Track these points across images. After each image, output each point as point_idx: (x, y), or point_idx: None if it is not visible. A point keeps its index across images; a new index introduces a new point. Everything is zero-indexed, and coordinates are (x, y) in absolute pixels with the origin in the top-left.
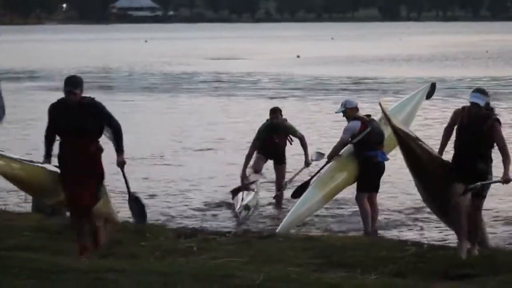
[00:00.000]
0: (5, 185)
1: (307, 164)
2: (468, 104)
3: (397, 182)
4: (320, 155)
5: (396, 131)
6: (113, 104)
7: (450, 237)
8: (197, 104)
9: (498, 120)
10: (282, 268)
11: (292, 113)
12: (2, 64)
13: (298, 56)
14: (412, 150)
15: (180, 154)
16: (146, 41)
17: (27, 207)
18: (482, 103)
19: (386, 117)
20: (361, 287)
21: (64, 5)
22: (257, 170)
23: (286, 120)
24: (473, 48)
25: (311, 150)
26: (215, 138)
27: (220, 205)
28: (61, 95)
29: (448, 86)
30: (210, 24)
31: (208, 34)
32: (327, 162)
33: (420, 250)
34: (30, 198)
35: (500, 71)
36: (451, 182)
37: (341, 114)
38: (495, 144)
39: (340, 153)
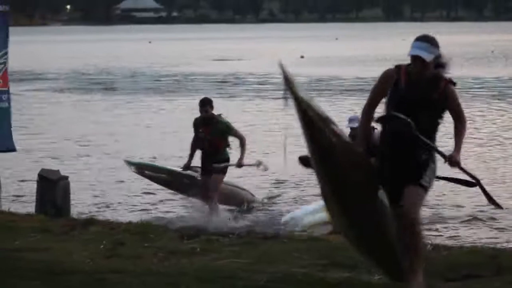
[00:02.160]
0: (9, 187)
1: (239, 165)
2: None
3: None
4: None
5: (301, 105)
6: (117, 105)
7: (454, 237)
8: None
9: (452, 82)
10: (286, 269)
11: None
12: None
13: (302, 57)
14: (324, 136)
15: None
16: (150, 42)
17: (32, 208)
18: (428, 57)
19: (286, 83)
20: None
21: (68, 7)
22: (205, 180)
23: (221, 116)
24: (478, 48)
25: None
26: None
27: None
28: (63, 96)
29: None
30: (214, 25)
31: (212, 35)
32: None
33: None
34: (34, 199)
35: (507, 71)
36: (380, 188)
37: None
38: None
39: None
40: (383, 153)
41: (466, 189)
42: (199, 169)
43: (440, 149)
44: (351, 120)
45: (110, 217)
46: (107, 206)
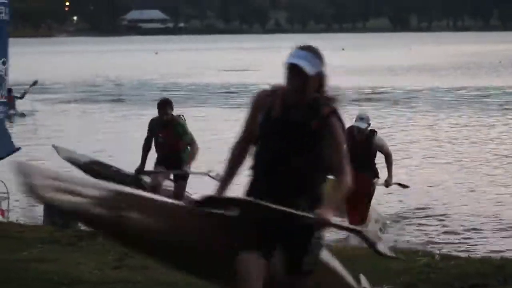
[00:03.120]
0: (17, 197)
1: (183, 177)
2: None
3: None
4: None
5: None
6: (124, 116)
7: (462, 247)
8: (210, 116)
9: (337, 115)
10: None
11: None
12: (17, 78)
13: None
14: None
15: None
16: (156, 53)
17: (40, 219)
18: (310, 69)
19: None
20: None
21: (75, 17)
22: (155, 185)
23: (180, 117)
24: (485, 58)
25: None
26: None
27: None
28: (70, 106)
29: (460, 95)
30: (221, 35)
31: (219, 45)
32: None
33: (432, 261)
34: (42, 209)
35: None
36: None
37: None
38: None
39: None
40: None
41: (474, 198)
42: (152, 174)
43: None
44: (360, 118)
45: None
46: None
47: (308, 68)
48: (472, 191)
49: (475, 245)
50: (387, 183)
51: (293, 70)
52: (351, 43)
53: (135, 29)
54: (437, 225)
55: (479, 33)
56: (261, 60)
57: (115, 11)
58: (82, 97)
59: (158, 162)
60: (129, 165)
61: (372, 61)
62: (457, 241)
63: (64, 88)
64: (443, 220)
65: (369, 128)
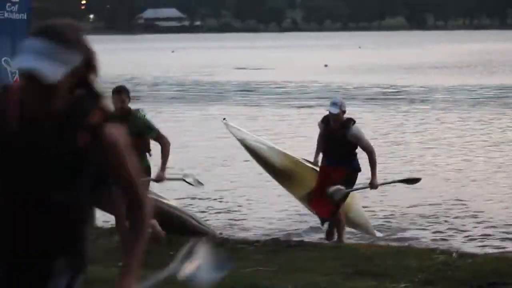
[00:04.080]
0: None
1: (159, 178)
2: None
3: (423, 188)
4: (338, 190)
5: None
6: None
7: (479, 244)
8: (226, 114)
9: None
10: (310, 277)
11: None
12: None
13: (325, 65)
14: None
15: (213, 167)
16: (173, 52)
17: None
18: (55, 72)
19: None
20: None
21: (91, 16)
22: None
23: (139, 111)
24: (506, 57)
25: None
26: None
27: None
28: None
29: (477, 94)
30: (237, 34)
31: (235, 44)
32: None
33: (449, 259)
34: None
35: None
36: None
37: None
38: None
39: None
40: None
41: (488, 197)
42: None
43: None
44: (333, 103)
45: None
46: None
47: (49, 71)
48: (490, 188)
49: (493, 243)
50: (372, 185)
51: (27, 77)
52: (368, 42)
53: (151, 27)
54: (454, 223)
55: (495, 31)
56: (278, 59)
57: (131, 9)
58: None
59: None
60: None
61: (388, 60)
62: (474, 238)
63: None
64: (461, 217)
65: (345, 116)
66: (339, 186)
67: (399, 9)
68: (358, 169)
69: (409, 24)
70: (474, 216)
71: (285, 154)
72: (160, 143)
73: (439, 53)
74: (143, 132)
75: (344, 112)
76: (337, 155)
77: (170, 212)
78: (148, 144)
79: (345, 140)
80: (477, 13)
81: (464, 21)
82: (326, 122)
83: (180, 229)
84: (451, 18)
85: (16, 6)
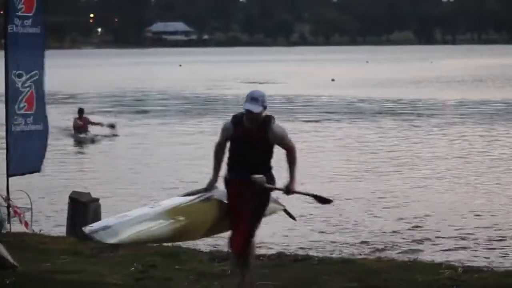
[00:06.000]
0: (41, 209)
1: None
2: None
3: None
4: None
5: None
6: (148, 128)
7: (485, 259)
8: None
9: None
10: None
11: (326, 136)
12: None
13: (333, 80)
14: None
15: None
16: (180, 65)
17: (63, 230)
18: None
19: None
20: None
21: (100, 29)
22: None
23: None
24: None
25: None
26: None
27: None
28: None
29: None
30: (245, 48)
31: (243, 57)
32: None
33: (455, 273)
34: (64, 221)
35: None
36: None
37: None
38: None
39: None
40: None
41: (495, 212)
42: None
43: None
44: (252, 98)
45: None
46: None
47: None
48: (498, 202)
49: (498, 258)
50: (288, 189)
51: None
52: (375, 56)
53: (159, 41)
54: (458, 237)
55: (504, 45)
56: (286, 73)
57: (139, 23)
58: (108, 108)
59: None
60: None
61: (396, 74)
62: (479, 253)
63: (88, 98)
64: (464, 232)
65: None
66: (261, 176)
67: (407, 24)
68: (274, 182)
69: (417, 39)
70: (479, 231)
71: (172, 210)
72: None
73: (446, 67)
74: None
75: (265, 108)
76: (252, 164)
77: None
78: None
79: (265, 144)
80: (485, 28)
81: (472, 35)
82: (237, 123)
83: None
84: (459, 33)
85: (30, 20)
